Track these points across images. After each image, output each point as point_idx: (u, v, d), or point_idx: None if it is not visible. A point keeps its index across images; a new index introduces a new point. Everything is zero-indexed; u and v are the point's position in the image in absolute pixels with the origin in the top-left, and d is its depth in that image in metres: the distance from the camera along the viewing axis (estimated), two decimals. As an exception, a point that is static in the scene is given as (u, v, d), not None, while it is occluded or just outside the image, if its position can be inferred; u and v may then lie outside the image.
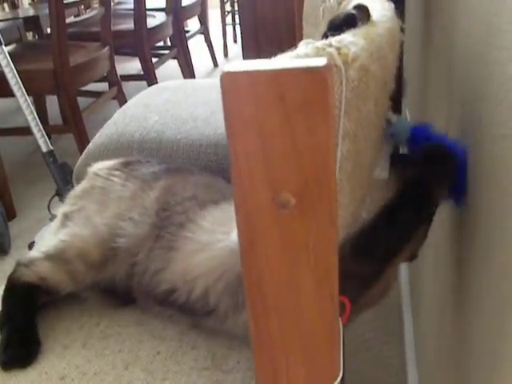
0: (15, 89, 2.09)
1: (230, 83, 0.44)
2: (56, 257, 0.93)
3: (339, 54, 0.53)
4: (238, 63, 0.45)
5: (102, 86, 3.14)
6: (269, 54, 0.51)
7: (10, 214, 2.39)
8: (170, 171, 1.05)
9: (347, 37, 0.56)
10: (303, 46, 0.54)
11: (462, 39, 0.76)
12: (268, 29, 1.97)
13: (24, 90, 2.09)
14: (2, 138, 2.73)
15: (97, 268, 0.93)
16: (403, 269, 1.75)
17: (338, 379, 0.57)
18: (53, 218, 2.15)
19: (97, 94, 3.00)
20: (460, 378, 0.77)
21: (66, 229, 0.98)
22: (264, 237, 0.49)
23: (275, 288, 0.52)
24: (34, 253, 0.96)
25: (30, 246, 2.14)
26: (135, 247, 0.91)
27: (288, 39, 1.89)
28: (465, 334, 0.73)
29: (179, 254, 0.87)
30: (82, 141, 2.51)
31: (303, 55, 0.51)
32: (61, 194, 2.13)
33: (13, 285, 0.92)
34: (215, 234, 0.86)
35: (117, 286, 0.93)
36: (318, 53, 0.52)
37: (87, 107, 2.75)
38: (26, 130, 2.20)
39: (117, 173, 1.05)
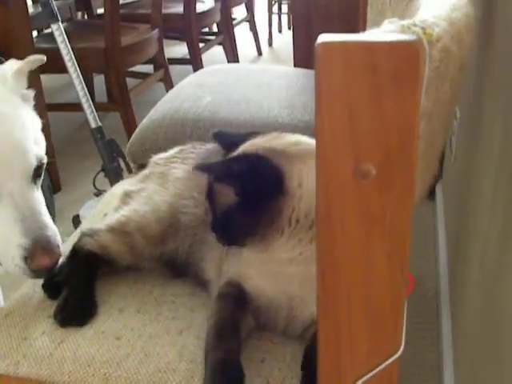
0: (69, 65, 2.13)
1: (325, 52, 0.46)
2: (117, 229, 0.96)
3: (424, 33, 0.54)
4: (332, 35, 0.46)
5: (147, 68, 3.18)
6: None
7: (55, 188, 2.45)
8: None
9: (430, 18, 0.57)
10: (388, 25, 0.55)
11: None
12: (320, 16, 1.98)
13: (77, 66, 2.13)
14: (50, 114, 2.79)
15: (156, 243, 0.96)
16: (442, 263, 1.74)
17: (399, 353, 0.58)
18: (98, 192, 2.21)
19: (143, 76, 3.05)
20: (503, 376, 0.77)
21: (127, 206, 1.02)
22: (342, 206, 0.51)
23: (347, 258, 0.53)
24: (98, 225, 0.99)
25: (74, 219, 2.19)
26: (195, 224, 0.94)
27: (340, 26, 1.89)
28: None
29: None
30: (129, 120, 2.55)
31: (390, 32, 0.52)
32: (106, 170, 2.17)
33: (76, 252, 0.96)
34: None
35: (178, 260, 0.96)
36: (404, 31, 0.53)
37: (134, 88, 2.79)
38: (74, 106, 2.25)
39: (174, 159, 1.08)
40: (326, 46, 0.45)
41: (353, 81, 0.46)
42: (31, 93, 1.07)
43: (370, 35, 0.47)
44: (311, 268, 0.77)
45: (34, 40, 2.50)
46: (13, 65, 1.04)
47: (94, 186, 2.20)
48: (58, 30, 2.13)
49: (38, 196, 0.96)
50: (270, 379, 0.74)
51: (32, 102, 1.07)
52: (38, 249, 0.89)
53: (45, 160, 0.99)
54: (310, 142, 0.83)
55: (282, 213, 0.78)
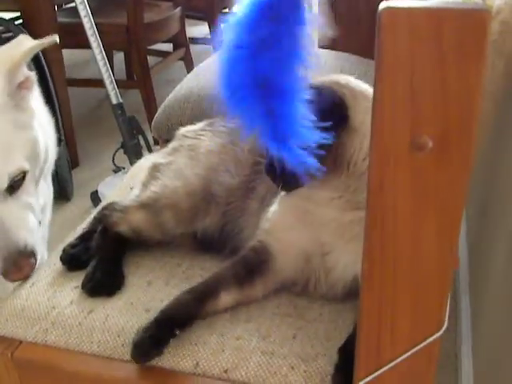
0: (91, 40, 2.12)
1: (389, 18, 0.44)
2: (148, 207, 0.96)
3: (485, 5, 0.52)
4: (396, 1, 0.45)
5: (167, 47, 3.16)
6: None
7: (73, 163, 2.45)
8: None
9: (489, -10, 0.56)
10: (447, -5, 0.53)
11: None
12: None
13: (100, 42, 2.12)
14: (69, 89, 2.78)
15: (186, 220, 0.95)
16: (461, 248, 1.71)
17: (442, 331, 0.58)
18: (116, 169, 2.20)
19: (163, 54, 3.03)
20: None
21: (157, 180, 1.00)
22: (395, 178, 0.50)
23: (397, 231, 0.52)
24: (128, 201, 0.99)
25: (92, 195, 2.19)
26: (229, 197, 0.93)
27: (367, 8, 1.86)
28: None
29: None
30: (149, 98, 2.54)
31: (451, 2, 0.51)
32: (126, 147, 2.16)
33: (106, 229, 0.96)
34: None
35: (211, 235, 0.95)
36: (465, 1, 0.52)
37: (154, 66, 2.77)
38: (95, 82, 2.24)
39: (204, 132, 1.07)
40: (390, 11, 0.44)
41: (416, 48, 0.45)
42: (33, 76, 1.00)
43: (436, 2, 0.45)
44: (347, 215, 0.76)
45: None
46: (8, 52, 0.96)
47: (113, 162, 2.20)
48: (81, 3, 2.11)
49: (12, 208, 0.93)
50: (302, 355, 0.74)
51: (35, 88, 1.01)
52: (9, 266, 0.90)
53: (26, 169, 0.94)
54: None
55: (345, 149, 0.75)
